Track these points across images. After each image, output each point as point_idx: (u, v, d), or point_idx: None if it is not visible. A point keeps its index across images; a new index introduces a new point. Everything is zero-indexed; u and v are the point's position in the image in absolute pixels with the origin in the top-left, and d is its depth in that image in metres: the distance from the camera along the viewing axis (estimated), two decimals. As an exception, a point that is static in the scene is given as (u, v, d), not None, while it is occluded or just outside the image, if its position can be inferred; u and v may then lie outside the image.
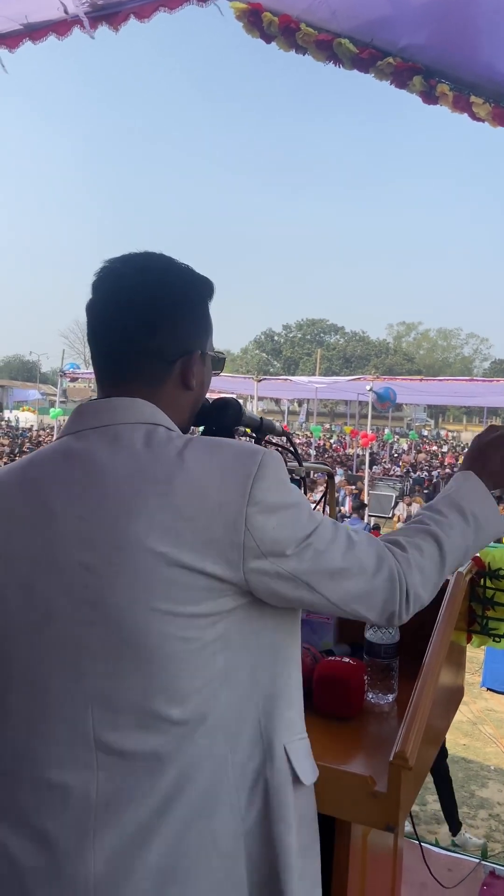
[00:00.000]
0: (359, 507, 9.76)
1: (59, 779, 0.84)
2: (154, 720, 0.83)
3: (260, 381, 15.66)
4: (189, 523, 0.82)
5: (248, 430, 1.54)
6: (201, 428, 1.38)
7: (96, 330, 0.97)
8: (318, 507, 2.04)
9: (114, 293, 0.95)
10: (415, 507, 13.30)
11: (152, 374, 0.96)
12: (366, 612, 0.93)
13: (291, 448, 1.59)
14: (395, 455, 28.60)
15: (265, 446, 1.56)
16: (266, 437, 1.51)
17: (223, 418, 1.38)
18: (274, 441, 1.58)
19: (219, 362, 1.09)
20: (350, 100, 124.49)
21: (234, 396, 1.37)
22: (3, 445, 19.63)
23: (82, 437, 0.92)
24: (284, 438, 1.60)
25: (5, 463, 14.54)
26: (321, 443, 28.75)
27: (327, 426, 44.66)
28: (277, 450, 1.60)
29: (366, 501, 12.58)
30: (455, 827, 3.60)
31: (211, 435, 1.39)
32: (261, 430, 1.48)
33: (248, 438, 1.54)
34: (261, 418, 1.46)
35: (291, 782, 0.91)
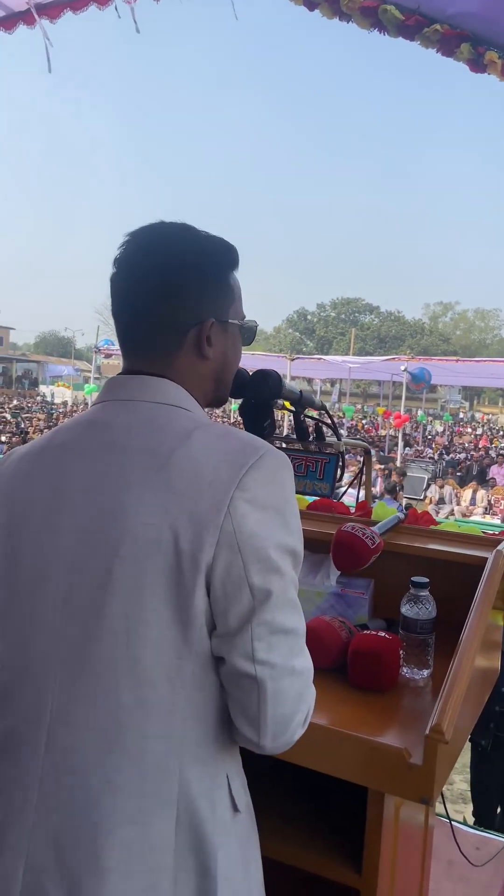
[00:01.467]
0: (392, 490, 9.68)
1: (16, 731, 0.88)
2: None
3: (293, 360, 15.61)
4: (177, 497, 0.83)
5: (287, 403, 1.54)
6: (239, 401, 1.38)
7: (115, 303, 0.99)
8: (353, 483, 2.03)
9: (127, 266, 0.97)
10: (447, 490, 13.17)
11: (166, 344, 0.96)
12: (268, 704, 0.83)
13: (330, 422, 1.58)
14: (429, 437, 28.30)
15: (303, 419, 1.56)
16: (304, 411, 1.51)
17: (262, 390, 1.38)
18: (312, 415, 1.58)
19: (247, 331, 1.07)
20: (390, 72, 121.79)
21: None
22: (39, 420, 19.90)
23: (106, 409, 0.95)
24: (323, 412, 1.59)
25: (40, 435, 14.73)
26: (353, 423, 28.56)
27: (359, 406, 44.35)
28: (317, 423, 1.59)
29: (396, 481, 12.47)
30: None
31: (249, 406, 1.39)
32: (300, 404, 1.48)
33: (287, 411, 1.54)
34: (300, 391, 1.45)
35: None
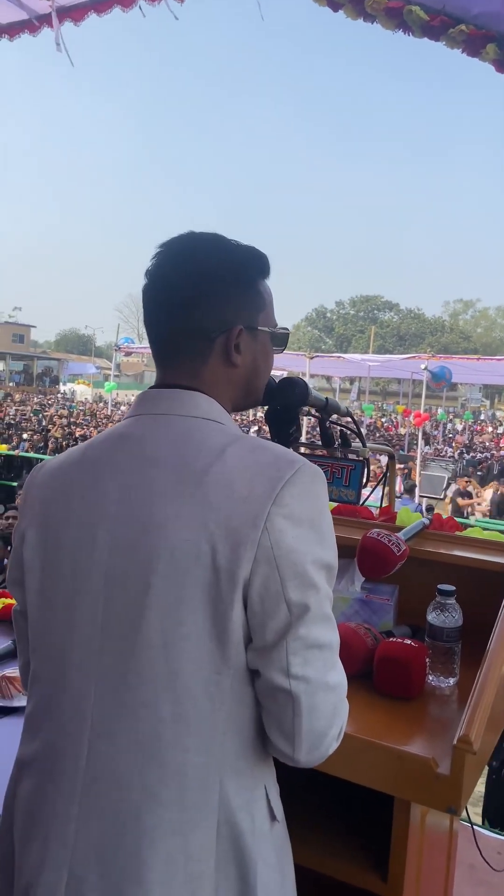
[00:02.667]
0: (412, 489, 9.64)
1: (57, 744, 0.89)
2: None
3: (312, 358, 15.56)
4: (213, 513, 0.83)
5: (312, 410, 1.54)
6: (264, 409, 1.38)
7: (146, 314, 1.00)
8: (378, 487, 2.03)
9: (158, 277, 0.98)
10: (469, 489, 13.06)
11: (195, 352, 0.97)
12: (303, 718, 0.84)
13: (356, 428, 1.58)
14: (449, 436, 28.11)
15: (329, 426, 1.56)
16: (331, 418, 1.51)
17: (289, 397, 1.38)
18: (339, 422, 1.58)
19: (279, 339, 1.07)
20: (409, 67, 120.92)
21: (300, 375, 1.36)
22: (62, 417, 20.06)
23: (140, 423, 0.95)
24: (349, 419, 1.59)
25: (62, 434, 14.88)
26: (372, 421, 28.44)
27: (378, 405, 44.12)
28: (343, 429, 1.60)
29: (416, 482, 12.42)
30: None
31: (276, 413, 1.40)
32: (326, 411, 1.48)
33: (312, 418, 1.54)
34: (326, 398, 1.45)
35: None
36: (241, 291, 0.99)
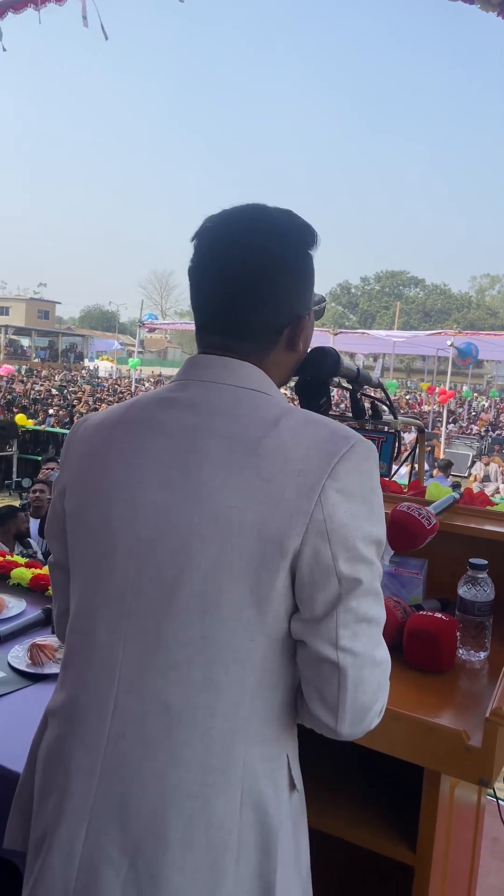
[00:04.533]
0: (445, 466, 9.52)
1: (81, 698, 0.90)
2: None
3: (336, 334, 15.44)
4: (264, 483, 0.82)
5: (343, 382, 1.51)
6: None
7: (202, 297, 0.95)
8: (406, 461, 2.01)
9: (217, 262, 0.93)
10: (493, 467, 12.94)
11: (261, 342, 0.95)
12: (348, 690, 0.83)
13: (387, 400, 1.55)
14: (474, 414, 27.80)
15: (360, 397, 1.54)
16: (362, 389, 1.48)
17: (321, 367, 1.35)
18: (370, 393, 1.55)
19: (320, 311, 1.07)
20: (434, 41, 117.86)
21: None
22: (84, 393, 20.18)
23: (188, 388, 0.93)
24: (380, 391, 1.57)
25: (87, 410, 14.96)
26: (396, 399, 28.19)
27: (403, 382, 43.71)
28: (374, 401, 1.57)
29: (447, 459, 12.31)
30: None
31: (306, 384, 1.38)
32: (357, 382, 1.45)
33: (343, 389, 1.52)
34: (358, 369, 1.43)
35: None
36: (307, 275, 0.97)
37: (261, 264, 0.92)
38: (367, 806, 1.29)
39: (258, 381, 0.93)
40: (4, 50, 4.14)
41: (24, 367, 32.61)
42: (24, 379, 24.00)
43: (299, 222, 0.97)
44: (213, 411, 0.89)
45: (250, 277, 0.91)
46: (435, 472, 9.80)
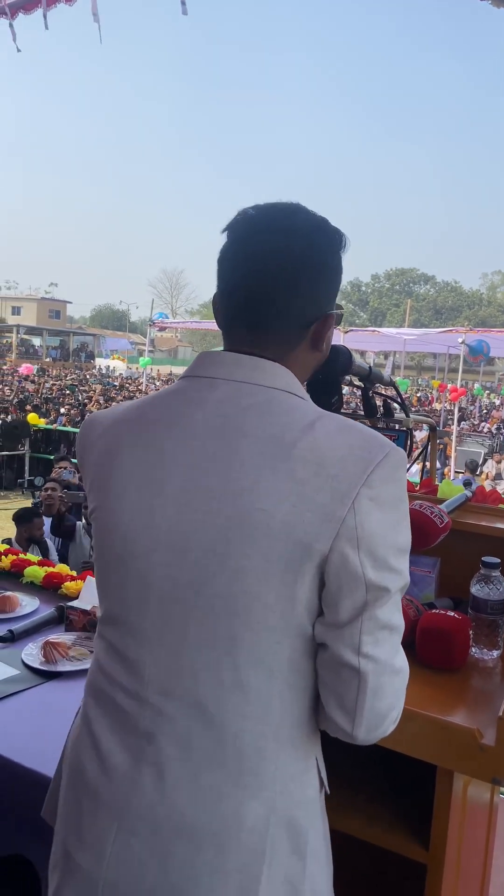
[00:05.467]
0: (475, 469, 9.39)
1: (112, 699, 0.91)
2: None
3: (347, 332, 15.41)
4: (297, 485, 0.81)
5: (354, 380, 1.51)
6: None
7: (233, 289, 0.94)
8: (419, 459, 2.00)
9: (258, 256, 0.91)
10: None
11: (288, 338, 0.94)
12: (367, 696, 0.83)
13: (399, 398, 1.55)
14: (485, 411, 27.67)
15: (372, 396, 1.53)
16: (374, 387, 1.48)
17: (332, 366, 1.35)
18: (381, 391, 1.55)
19: (339, 316, 1.05)
20: (452, 39, 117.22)
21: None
22: (94, 391, 20.25)
23: (217, 387, 0.91)
24: (392, 389, 1.57)
25: (97, 407, 15.00)
26: (407, 397, 28.08)
27: (413, 380, 43.57)
28: (385, 398, 1.57)
29: (452, 457, 12.28)
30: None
31: (317, 382, 1.38)
32: (369, 379, 1.45)
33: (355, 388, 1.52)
34: (370, 367, 1.43)
35: None
36: (337, 277, 0.97)
37: (300, 255, 0.90)
38: (381, 804, 1.29)
39: (288, 382, 0.91)
40: (19, 51, 4.14)
41: (35, 366, 32.78)
42: (36, 378, 24.10)
43: (332, 226, 0.97)
44: (245, 411, 0.87)
45: (288, 267, 0.90)
46: (447, 469, 9.78)
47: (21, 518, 4.96)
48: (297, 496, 0.81)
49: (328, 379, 1.38)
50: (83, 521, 5.49)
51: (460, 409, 19.33)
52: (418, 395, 31.76)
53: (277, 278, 0.90)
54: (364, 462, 0.82)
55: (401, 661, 0.87)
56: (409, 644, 1.36)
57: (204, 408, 0.90)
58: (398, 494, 0.85)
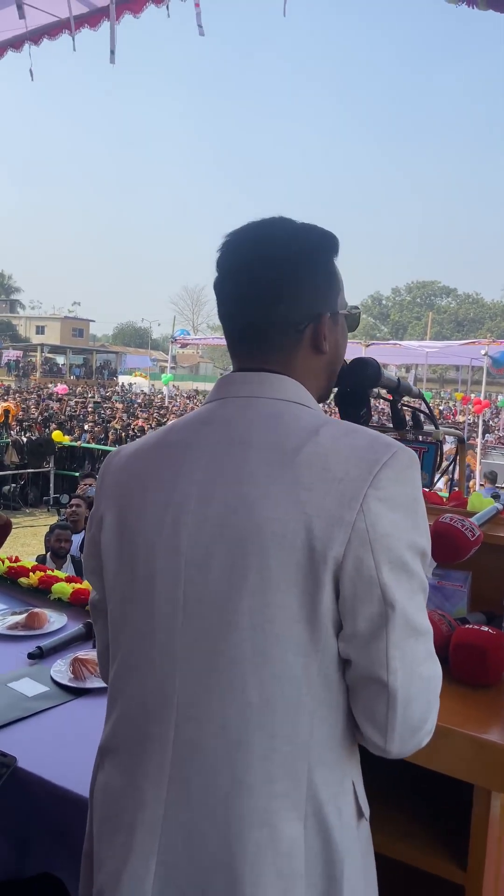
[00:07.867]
0: (494, 480, 9.37)
1: (141, 729, 0.89)
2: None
3: (368, 345, 15.38)
4: (305, 493, 0.81)
5: (382, 392, 1.51)
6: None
7: (224, 307, 0.97)
8: (446, 473, 1.99)
9: (234, 268, 0.95)
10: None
11: (283, 344, 0.94)
12: (397, 710, 0.81)
13: (427, 411, 1.54)
14: (510, 423, 27.38)
15: (401, 408, 1.53)
16: (402, 399, 1.47)
17: (360, 378, 1.35)
18: (410, 404, 1.54)
19: (353, 319, 1.05)
20: (472, 50, 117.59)
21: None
22: (117, 408, 20.40)
23: (225, 406, 0.93)
24: (420, 401, 1.56)
25: (122, 425, 15.14)
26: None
27: (436, 392, 43.34)
28: (413, 410, 1.56)
29: (477, 470, 12.16)
30: None
31: (346, 394, 1.37)
32: (398, 392, 1.45)
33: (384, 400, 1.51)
34: (398, 379, 1.42)
35: None
36: (324, 276, 0.97)
37: (275, 258, 0.92)
38: (416, 824, 1.27)
39: (295, 392, 0.92)
40: (32, 80, 4.21)
41: (60, 384, 33.15)
42: (62, 397, 24.37)
43: (319, 229, 0.98)
44: (252, 425, 0.88)
45: (269, 274, 0.92)
46: (472, 483, 9.68)
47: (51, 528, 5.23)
48: (306, 503, 0.80)
49: (356, 391, 1.37)
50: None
51: (484, 422, 19.15)
52: (440, 407, 31.54)
53: (260, 286, 0.92)
54: (369, 463, 0.81)
55: (430, 667, 0.85)
56: (442, 660, 1.33)
57: (214, 425, 0.91)
58: (410, 494, 0.83)
